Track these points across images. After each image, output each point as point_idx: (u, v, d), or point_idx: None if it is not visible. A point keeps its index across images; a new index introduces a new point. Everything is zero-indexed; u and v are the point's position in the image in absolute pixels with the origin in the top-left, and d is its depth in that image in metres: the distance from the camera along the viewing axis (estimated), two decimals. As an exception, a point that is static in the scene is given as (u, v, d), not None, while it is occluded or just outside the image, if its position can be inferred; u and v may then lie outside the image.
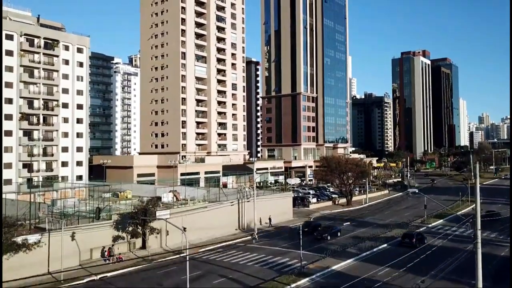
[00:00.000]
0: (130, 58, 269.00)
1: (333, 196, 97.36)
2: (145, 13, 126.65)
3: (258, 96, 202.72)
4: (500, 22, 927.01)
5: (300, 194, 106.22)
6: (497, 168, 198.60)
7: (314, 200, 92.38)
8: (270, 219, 68.64)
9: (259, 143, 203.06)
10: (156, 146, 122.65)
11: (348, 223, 70.49)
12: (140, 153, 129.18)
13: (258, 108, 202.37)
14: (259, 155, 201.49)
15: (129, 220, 50.57)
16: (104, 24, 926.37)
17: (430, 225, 66.88)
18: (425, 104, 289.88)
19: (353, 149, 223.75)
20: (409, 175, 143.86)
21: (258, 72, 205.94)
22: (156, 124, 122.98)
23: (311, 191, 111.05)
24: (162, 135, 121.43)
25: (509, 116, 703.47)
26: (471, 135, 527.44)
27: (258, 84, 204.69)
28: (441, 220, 71.02)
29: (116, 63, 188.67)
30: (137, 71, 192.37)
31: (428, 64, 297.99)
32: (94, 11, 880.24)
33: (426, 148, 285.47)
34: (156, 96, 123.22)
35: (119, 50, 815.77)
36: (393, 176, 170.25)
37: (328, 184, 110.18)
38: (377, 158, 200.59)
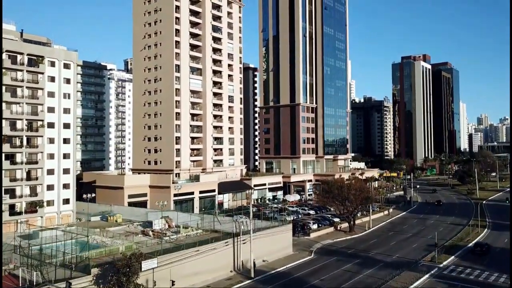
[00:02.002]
0: (126, 61, 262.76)
1: (335, 220, 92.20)
2: (138, 22, 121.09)
3: (256, 103, 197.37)
4: (498, 22, 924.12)
5: (300, 216, 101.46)
6: (500, 178, 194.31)
7: (315, 226, 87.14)
8: (254, 263, 59.91)
9: (256, 151, 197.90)
10: (149, 163, 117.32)
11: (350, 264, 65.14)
12: (132, 170, 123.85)
13: (256, 115, 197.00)
14: (256, 163, 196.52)
15: (111, 273, 45.28)
16: (100, 28, 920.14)
17: (441, 265, 61.54)
18: (426, 109, 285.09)
19: (353, 155, 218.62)
20: (412, 191, 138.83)
21: (256, 79, 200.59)
22: (149, 139, 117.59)
23: (311, 212, 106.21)
24: (156, 151, 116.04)
25: (507, 117, 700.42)
26: (470, 137, 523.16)
27: (256, 91, 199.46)
28: (453, 257, 65.78)
29: (110, 70, 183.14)
30: (131, 77, 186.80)
31: (429, 69, 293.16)
32: (89, 14, 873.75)
33: (426, 154, 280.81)
34: (149, 110, 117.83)
35: (114, 54, 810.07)
36: (394, 188, 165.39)
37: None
38: (378, 168, 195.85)
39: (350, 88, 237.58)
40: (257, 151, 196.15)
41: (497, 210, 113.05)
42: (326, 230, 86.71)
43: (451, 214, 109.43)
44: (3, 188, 71.65)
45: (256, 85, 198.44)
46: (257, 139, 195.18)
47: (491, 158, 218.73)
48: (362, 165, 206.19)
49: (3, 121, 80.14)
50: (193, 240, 67.87)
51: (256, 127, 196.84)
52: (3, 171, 79.15)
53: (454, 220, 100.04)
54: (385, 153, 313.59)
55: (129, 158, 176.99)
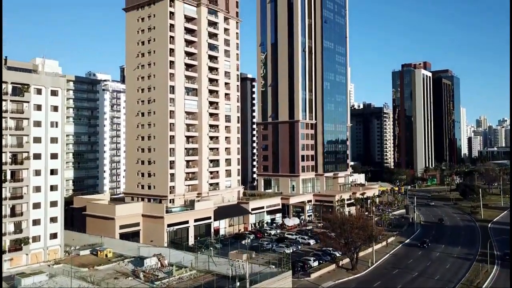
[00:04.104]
0: (122, 68, 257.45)
1: (336, 255, 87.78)
2: (131, 40, 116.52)
3: (254, 114, 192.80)
4: (497, 23, 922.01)
5: (300, 247, 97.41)
6: (503, 191, 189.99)
7: (316, 263, 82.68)
8: None
9: (254, 162, 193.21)
10: (143, 187, 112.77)
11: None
12: (125, 194, 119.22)
13: (254, 126, 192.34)
14: (254, 175, 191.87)
15: None
16: (100, 28, 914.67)
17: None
18: (426, 118, 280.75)
19: (352, 163, 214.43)
20: (415, 212, 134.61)
21: (254, 89, 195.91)
22: (143, 162, 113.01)
23: (312, 241, 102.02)
24: (149, 175, 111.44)
25: (506, 118, 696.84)
26: (469, 141, 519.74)
27: (254, 102, 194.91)
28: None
29: (105, 80, 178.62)
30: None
31: (429, 76, 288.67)
32: (89, 14, 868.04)
33: (427, 163, 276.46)
34: (142, 132, 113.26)
35: (113, 55, 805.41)
36: (396, 205, 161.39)
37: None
38: (379, 181, 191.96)
39: (350, 98, 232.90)
40: (255, 162, 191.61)
41: (504, 236, 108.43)
42: (328, 268, 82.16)
43: (457, 242, 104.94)
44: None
45: (254, 96, 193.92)
46: (255, 150, 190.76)
47: (493, 171, 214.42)
48: (362, 177, 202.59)
49: (-15, 155, 75.80)
50: (186, 284, 63.97)
51: (254, 138, 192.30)
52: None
53: (460, 252, 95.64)
54: (385, 161, 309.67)
55: (124, 171, 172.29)
